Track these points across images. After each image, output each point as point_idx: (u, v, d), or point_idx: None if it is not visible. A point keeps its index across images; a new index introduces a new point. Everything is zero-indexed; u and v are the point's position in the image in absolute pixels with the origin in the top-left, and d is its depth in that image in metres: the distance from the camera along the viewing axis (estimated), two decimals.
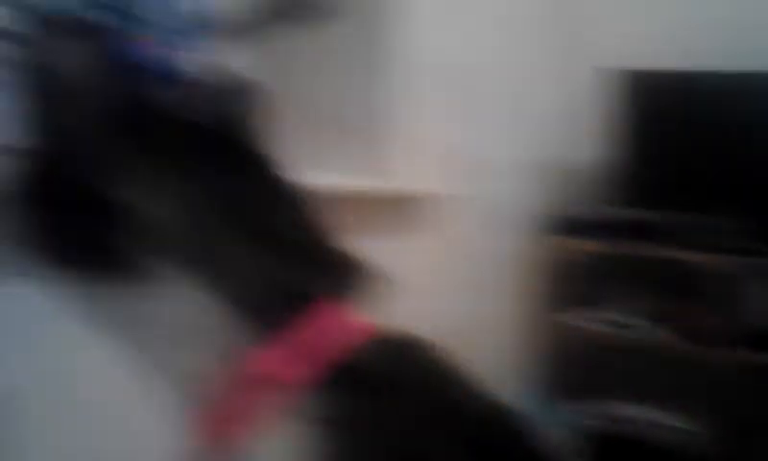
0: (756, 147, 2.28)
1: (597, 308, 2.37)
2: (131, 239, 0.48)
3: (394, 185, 1.36)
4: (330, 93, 1.27)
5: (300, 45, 1.17)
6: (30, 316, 0.70)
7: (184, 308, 0.49)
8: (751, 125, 2.28)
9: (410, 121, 1.36)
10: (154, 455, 0.69)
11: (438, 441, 0.45)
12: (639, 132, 2.33)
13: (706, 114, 2.31)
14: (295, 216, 0.53)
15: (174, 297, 0.49)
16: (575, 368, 2.40)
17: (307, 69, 1.12)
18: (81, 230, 0.49)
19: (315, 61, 1.20)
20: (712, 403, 2.20)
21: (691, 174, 2.32)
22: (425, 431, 0.45)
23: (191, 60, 0.62)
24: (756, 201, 2.22)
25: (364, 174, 1.26)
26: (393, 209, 1.48)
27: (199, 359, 0.51)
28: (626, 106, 2.33)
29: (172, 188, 0.49)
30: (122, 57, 0.53)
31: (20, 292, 0.65)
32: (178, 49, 0.63)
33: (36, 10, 0.54)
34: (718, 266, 2.15)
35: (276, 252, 0.50)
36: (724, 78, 2.25)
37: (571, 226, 2.38)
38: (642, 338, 2.27)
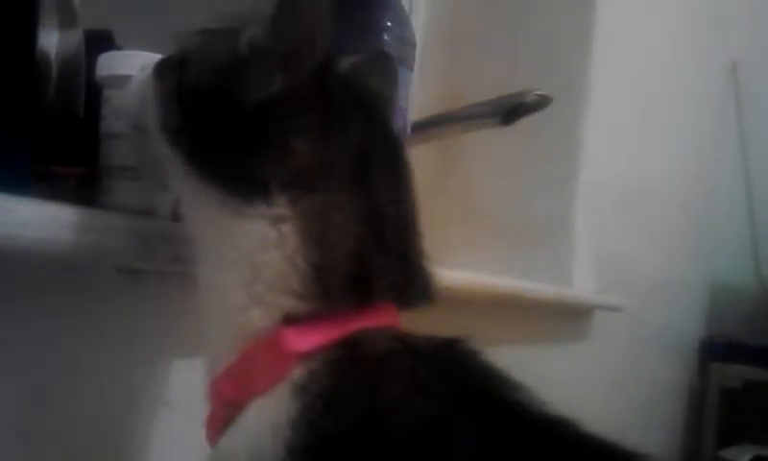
0: None
1: (764, 446, 2.25)
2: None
3: (568, 294, 1.38)
4: (516, 197, 1.37)
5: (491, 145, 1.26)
6: None
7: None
8: None
9: (586, 233, 1.46)
10: None
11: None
12: None
13: None
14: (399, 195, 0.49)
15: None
16: None
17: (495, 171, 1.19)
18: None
19: (504, 164, 1.30)
20: None
21: None
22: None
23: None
24: None
25: (541, 280, 1.28)
26: (564, 317, 1.57)
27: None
28: None
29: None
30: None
31: None
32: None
33: None
34: None
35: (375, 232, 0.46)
36: None
37: (736, 352, 2.33)
38: None
